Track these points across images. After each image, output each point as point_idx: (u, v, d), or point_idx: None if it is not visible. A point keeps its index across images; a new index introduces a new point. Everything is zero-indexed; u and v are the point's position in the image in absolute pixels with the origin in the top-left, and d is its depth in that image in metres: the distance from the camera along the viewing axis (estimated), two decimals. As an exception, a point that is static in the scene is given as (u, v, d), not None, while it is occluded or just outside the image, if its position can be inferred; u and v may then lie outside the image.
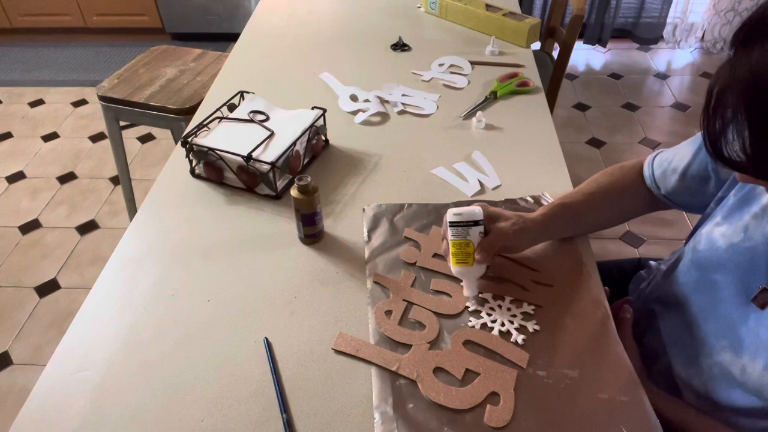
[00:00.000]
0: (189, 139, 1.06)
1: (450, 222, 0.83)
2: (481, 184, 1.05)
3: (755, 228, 0.71)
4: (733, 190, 0.76)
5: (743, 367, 0.71)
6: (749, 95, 0.53)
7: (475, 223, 0.82)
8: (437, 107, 1.27)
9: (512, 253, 0.89)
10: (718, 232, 0.76)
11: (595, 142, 2.48)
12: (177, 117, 1.66)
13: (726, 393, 0.74)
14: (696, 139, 0.84)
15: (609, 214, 0.93)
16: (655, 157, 0.90)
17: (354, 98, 1.30)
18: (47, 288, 1.93)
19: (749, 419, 0.73)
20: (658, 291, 0.89)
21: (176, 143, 1.30)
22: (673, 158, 0.86)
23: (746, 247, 0.72)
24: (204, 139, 1.06)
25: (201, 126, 1.09)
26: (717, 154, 0.58)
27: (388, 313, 0.83)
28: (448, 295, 0.86)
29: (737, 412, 0.73)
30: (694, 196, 0.85)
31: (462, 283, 0.85)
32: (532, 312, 0.83)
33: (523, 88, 1.31)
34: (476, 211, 0.83)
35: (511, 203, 1.00)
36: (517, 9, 1.60)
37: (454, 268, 0.84)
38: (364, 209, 1.01)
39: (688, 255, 0.82)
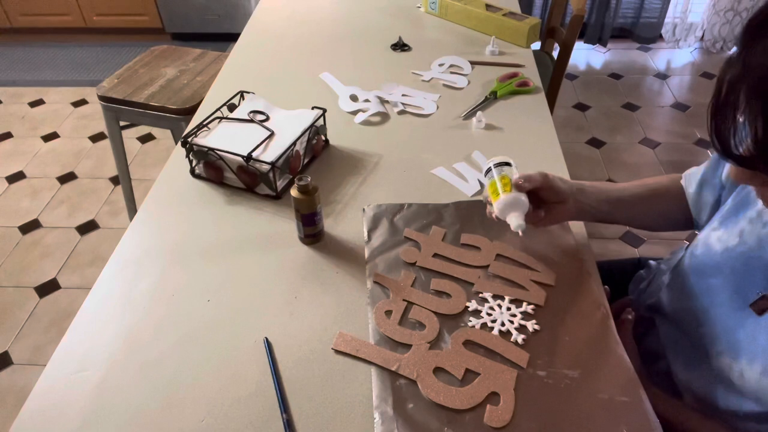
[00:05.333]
0: (189, 139, 1.06)
1: (485, 170, 0.89)
2: (481, 184, 1.05)
3: (750, 232, 0.71)
4: (732, 195, 0.77)
5: (741, 372, 0.70)
6: (764, 86, 0.51)
7: (507, 163, 0.87)
8: (437, 107, 1.27)
9: (547, 202, 0.85)
10: (714, 236, 0.76)
11: (595, 142, 2.48)
12: (177, 117, 1.66)
13: (725, 397, 0.73)
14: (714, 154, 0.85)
15: (651, 210, 0.92)
16: (688, 171, 0.92)
17: (354, 98, 1.30)
18: (47, 288, 1.93)
19: (748, 423, 0.73)
20: (656, 294, 0.89)
21: (176, 143, 1.30)
22: (697, 170, 0.88)
23: (741, 252, 0.72)
24: (204, 139, 1.06)
25: (201, 126, 1.09)
26: (724, 147, 0.56)
27: (388, 313, 0.83)
28: (448, 295, 0.86)
29: (737, 416, 0.73)
30: (705, 208, 0.86)
31: (507, 219, 0.83)
32: (532, 312, 0.83)
33: (523, 88, 1.31)
34: (507, 156, 0.89)
35: (511, 203, 1.00)
36: (517, 9, 1.60)
37: (496, 205, 0.83)
38: (364, 209, 1.01)
39: (686, 260, 0.82)
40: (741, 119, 0.54)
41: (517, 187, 0.82)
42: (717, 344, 0.74)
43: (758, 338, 0.69)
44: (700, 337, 0.77)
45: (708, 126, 0.57)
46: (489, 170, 0.88)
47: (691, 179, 0.89)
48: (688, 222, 0.92)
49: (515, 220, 0.81)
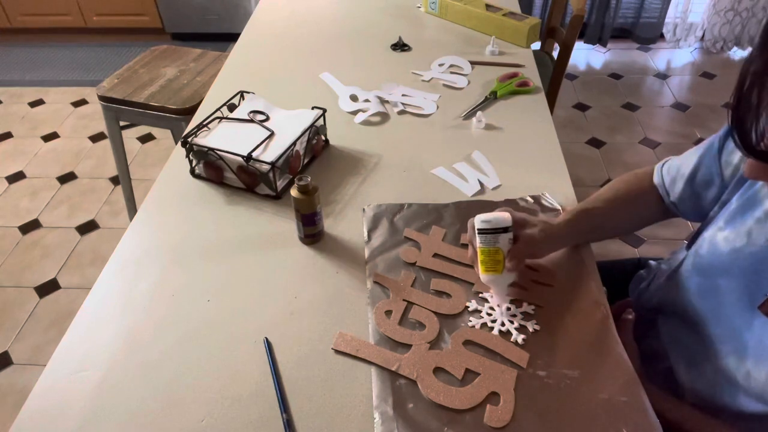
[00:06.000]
0: (189, 139, 1.06)
1: (478, 229, 0.81)
2: (481, 184, 1.06)
3: (759, 233, 0.70)
4: (736, 195, 0.76)
5: (747, 372, 0.70)
6: None
7: (504, 230, 0.81)
8: (437, 107, 1.27)
9: (536, 258, 0.88)
10: (720, 236, 0.76)
11: (595, 142, 2.48)
12: (177, 117, 1.66)
13: (729, 397, 0.73)
14: (702, 146, 0.84)
15: (627, 220, 0.93)
16: (663, 165, 0.90)
17: (354, 98, 1.30)
18: (47, 288, 1.93)
19: (752, 422, 0.73)
20: (659, 294, 0.88)
21: (176, 143, 1.30)
22: (681, 165, 0.87)
23: (750, 252, 0.71)
24: (204, 139, 1.06)
25: (201, 126, 1.09)
26: (744, 140, 0.54)
27: (388, 313, 0.83)
28: (448, 295, 0.86)
29: (741, 416, 0.73)
30: (699, 203, 0.85)
31: (491, 292, 0.85)
32: (532, 312, 0.83)
33: (523, 88, 1.31)
34: (505, 217, 0.81)
35: (511, 203, 1.00)
36: (517, 9, 1.60)
37: (483, 276, 0.83)
38: (364, 209, 1.01)
39: (689, 259, 0.82)
40: (763, 113, 0.52)
41: (509, 269, 0.82)
42: (723, 345, 0.74)
43: (766, 340, 0.69)
44: (705, 337, 0.76)
45: (729, 119, 0.56)
46: (485, 231, 0.81)
47: (673, 175, 0.87)
48: (663, 214, 0.92)
49: (498, 299, 0.84)
